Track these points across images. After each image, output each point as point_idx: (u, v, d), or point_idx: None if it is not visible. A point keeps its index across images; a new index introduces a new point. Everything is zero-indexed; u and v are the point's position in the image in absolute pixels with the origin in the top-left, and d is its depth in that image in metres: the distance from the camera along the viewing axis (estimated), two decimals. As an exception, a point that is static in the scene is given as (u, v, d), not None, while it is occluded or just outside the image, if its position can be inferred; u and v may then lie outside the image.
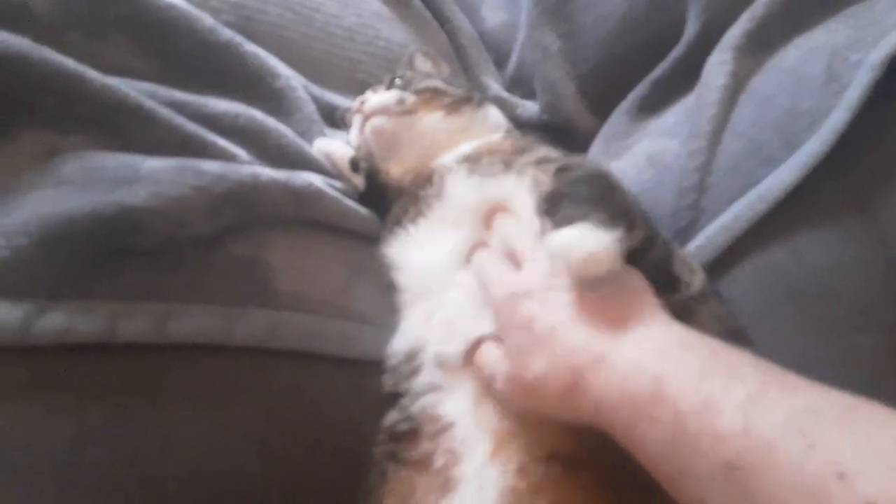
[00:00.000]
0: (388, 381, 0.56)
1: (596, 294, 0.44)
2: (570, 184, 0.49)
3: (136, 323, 0.45)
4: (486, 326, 0.51)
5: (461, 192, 0.60)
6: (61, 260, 0.44)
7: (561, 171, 0.53)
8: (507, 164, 0.60)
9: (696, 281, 0.56)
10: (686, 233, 0.67)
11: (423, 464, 0.50)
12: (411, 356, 0.55)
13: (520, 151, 0.64)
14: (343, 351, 0.55)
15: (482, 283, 0.52)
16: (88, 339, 0.43)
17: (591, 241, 0.43)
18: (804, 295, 0.58)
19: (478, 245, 0.57)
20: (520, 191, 0.57)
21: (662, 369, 0.37)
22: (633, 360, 0.39)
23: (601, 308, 0.43)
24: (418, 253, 0.61)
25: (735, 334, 0.56)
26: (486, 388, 0.49)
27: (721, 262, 0.63)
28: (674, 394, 0.35)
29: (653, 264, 0.50)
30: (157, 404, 0.46)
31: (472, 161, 0.63)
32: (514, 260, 0.52)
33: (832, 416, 0.31)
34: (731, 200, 0.64)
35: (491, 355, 0.49)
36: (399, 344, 0.57)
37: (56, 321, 0.43)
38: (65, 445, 0.42)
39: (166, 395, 0.46)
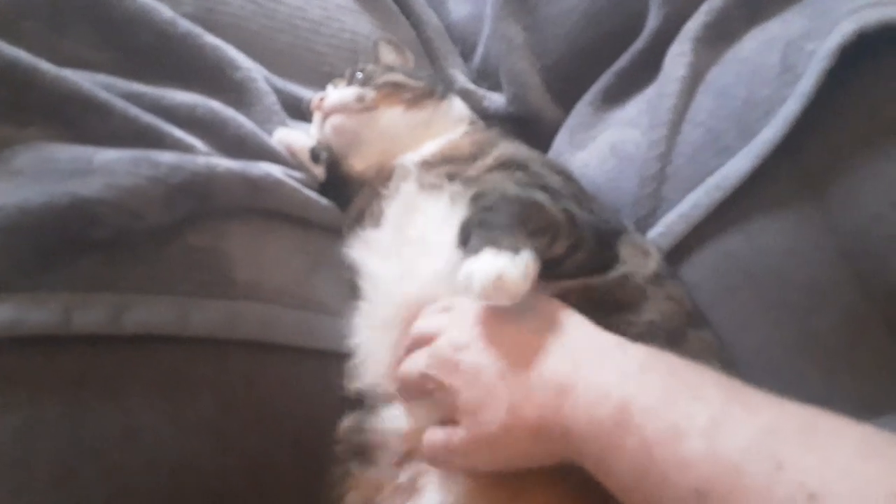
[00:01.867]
0: (348, 388, 0.56)
1: (533, 329, 0.43)
2: (481, 210, 0.48)
3: (91, 314, 0.45)
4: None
5: (404, 210, 0.61)
6: (13, 251, 0.44)
7: (475, 198, 0.51)
8: (452, 177, 0.60)
9: (651, 263, 0.56)
10: (647, 221, 0.68)
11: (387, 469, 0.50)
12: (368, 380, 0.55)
13: (478, 153, 0.64)
14: (301, 341, 0.54)
15: (417, 374, 0.47)
16: (41, 331, 0.43)
17: (493, 268, 0.42)
18: (760, 280, 0.60)
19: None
20: (447, 221, 0.55)
21: (626, 394, 0.36)
22: (597, 387, 0.38)
23: (546, 340, 0.42)
24: (378, 264, 0.60)
25: (693, 316, 0.56)
26: (447, 466, 0.46)
27: (680, 249, 0.64)
28: (639, 421, 0.35)
29: (577, 266, 0.52)
30: (113, 396, 0.45)
31: (428, 168, 0.63)
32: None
33: (795, 433, 0.31)
34: (690, 189, 0.65)
35: (438, 434, 0.45)
36: (358, 366, 0.56)
37: (6, 313, 0.42)
38: (17, 439, 0.41)
39: (122, 386, 0.46)
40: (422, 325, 0.49)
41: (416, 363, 0.46)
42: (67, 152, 0.49)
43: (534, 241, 0.47)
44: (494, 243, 0.43)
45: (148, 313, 0.47)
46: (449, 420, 0.44)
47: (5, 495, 0.41)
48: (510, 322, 0.44)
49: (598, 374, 0.39)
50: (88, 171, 0.48)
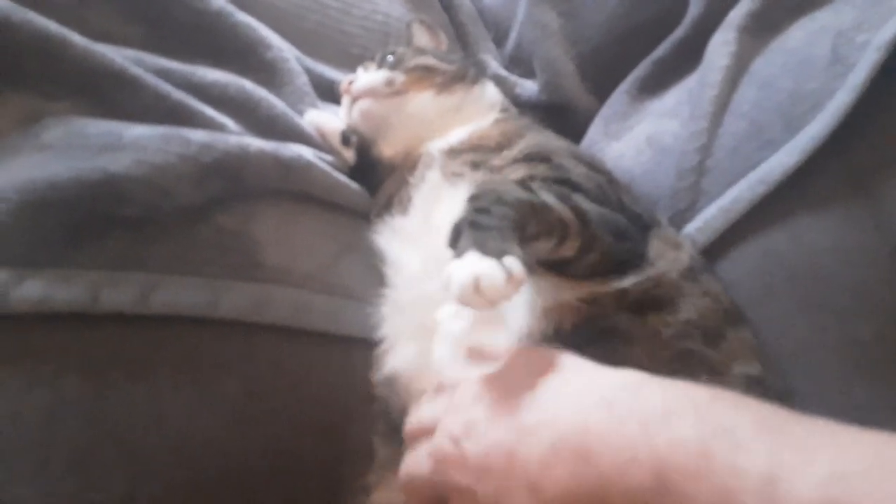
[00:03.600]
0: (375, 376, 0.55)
1: (535, 394, 0.40)
2: (474, 212, 0.45)
3: (120, 293, 0.44)
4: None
5: (429, 198, 0.59)
6: (41, 227, 0.43)
7: (471, 198, 0.48)
8: (476, 165, 0.58)
9: (683, 257, 0.55)
10: (685, 215, 0.65)
11: None
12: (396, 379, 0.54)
13: (505, 143, 0.62)
14: (329, 326, 0.53)
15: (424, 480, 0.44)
16: (68, 309, 0.42)
17: (472, 271, 0.39)
18: (803, 279, 0.57)
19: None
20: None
21: (657, 455, 0.33)
22: (621, 449, 0.34)
23: (552, 403, 0.39)
24: (402, 252, 0.59)
25: (730, 313, 0.55)
26: None
27: (719, 245, 0.62)
28: (682, 489, 0.31)
29: (590, 267, 0.49)
30: (138, 377, 0.44)
31: (454, 155, 0.62)
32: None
33: (866, 474, 0.28)
34: (731, 183, 0.63)
35: None
36: (387, 368, 0.55)
37: (34, 290, 0.41)
38: (41, 418, 0.41)
39: (148, 367, 0.45)
40: (419, 416, 0.46)
41: (420, 466, 0.43)
42: (98, 127, 0.48)
43: (537, 243, 0.45)
44: (479, 246, 0.41)
45: (176, 294, 0.46)
46: None
47: (24, 474, 0.40)
48: (509, 390, 0.41)
49: (619, 431, 0.35)
50: (119, 146, 0.47)
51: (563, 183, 0.53)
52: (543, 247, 0.46)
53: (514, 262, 0.40)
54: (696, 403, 0.35)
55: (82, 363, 0.43)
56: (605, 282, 0.50)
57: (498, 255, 0.40)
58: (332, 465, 0.51)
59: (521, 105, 0.90)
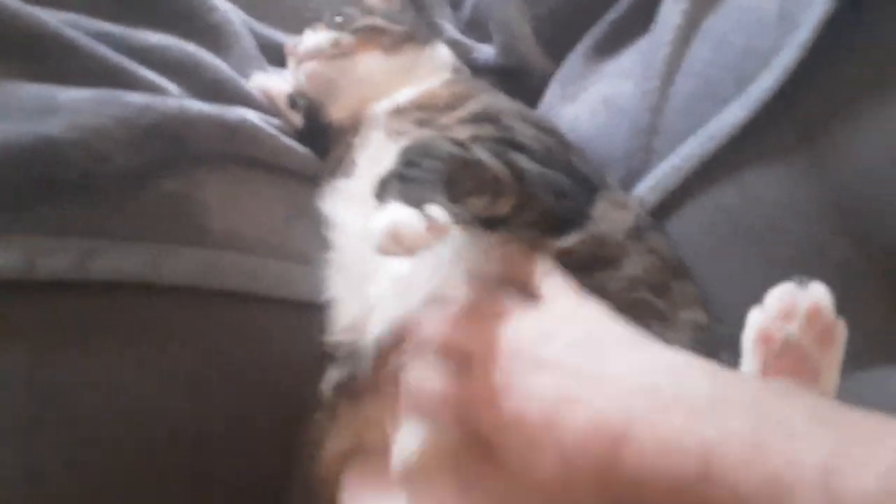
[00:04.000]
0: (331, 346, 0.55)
1: (574, 353, 0.40)
2: (403, 165, 0.45)
3: (57, 259, 0.43)
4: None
5: (372, 159, 0.59)
6: (-27, 194, 0.42)
7: (402, 151, 0.48)
8: (423, 123, 0.59)
9: (629, 217, 0.56)
10: (638, 174, 0.66)
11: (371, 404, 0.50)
12: (350, 333, 0.54)
13: (454, 103, 0.62)
14: (282, 291, 0.53)
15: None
16: (3, 276, 0.41)
17: (391, 219, 0.39)
18: (751, 233, 0.58)
19: None
20: None
21: (704, 441, 0.32)
22: (663, 434, 0.34)
23: (591, 370, 0.39)
24: (345, 214, 0.59)
25: (675, 268, 0.56)
26: None
27: (671, 203, 0.63)
28: (730, 477, 0.31)
29: (527, 224, 0.50)
30: (81, 344, 0.44)
31: (399, 115, 0.62)
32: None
33: None
34: (683, 141, 0.63)
35: None
36: (337, 330, 0.55)
37: (-34, 258, 0.40)
38: None
39: (91, 334, 0.45)
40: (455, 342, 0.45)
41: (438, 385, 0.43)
42: (30, 90, 0.47)
43: (471, 199, 0.45)
44: (403, 196, 0.40)
45: (117, 259, 0.45)
46: None
47: None
48: (547, 347, 0.41)
49: (663, 419, 0.34)
50: (53, 109, 0.45)
51: (508, 143, 0.53)
52: (477, 203, 0.46)
53: (436, 210, 0.40)
54: (745, 392, 0.34)
55: (21, 331, 0.42)
56: (549, 240, 0.51)
57: (420, 204, 0.40)
58: (287, 426, 0.51)
59: (478, 69, 0.90)
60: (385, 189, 0.43)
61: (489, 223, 0.50)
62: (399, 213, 0.39)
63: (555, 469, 0.36)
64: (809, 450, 0.29)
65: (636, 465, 0.33)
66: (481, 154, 0.48)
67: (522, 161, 0.50)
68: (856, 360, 0.54)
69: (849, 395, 0.51)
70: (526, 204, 0.49)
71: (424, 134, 0.57)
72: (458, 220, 0.44)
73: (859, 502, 0.27)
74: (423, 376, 0.44)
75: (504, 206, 0.48)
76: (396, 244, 0.39)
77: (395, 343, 0.48)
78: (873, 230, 0.54)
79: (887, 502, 0.26)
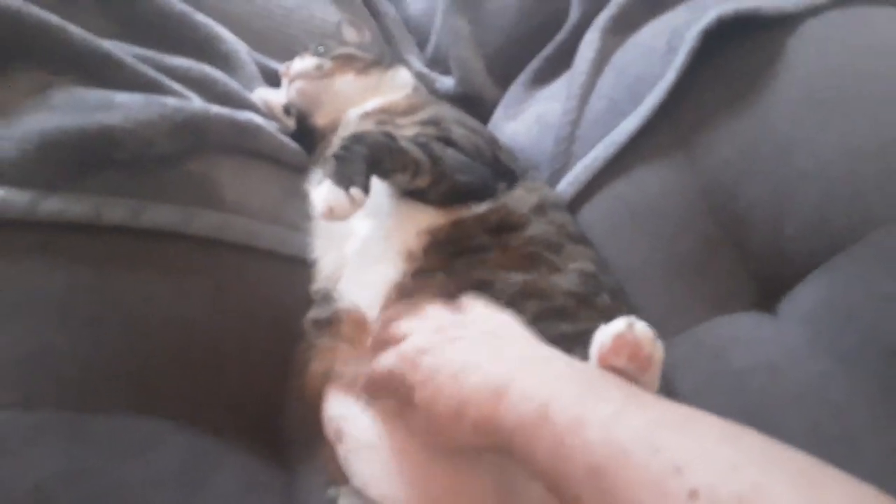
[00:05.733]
0: (312, 292, 0.70)
1: (482, 340, 0.51)
2: (341, 148, 0.60)
3: (116, 211, 0.58)
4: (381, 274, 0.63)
5: None
6: (56, 162, 0.57)
7: (342, 139, 0.61)
8: (383, 123, 0.74)
9: (533, 198, 0.71)
10: (560, 173, 0.83)
11: (342, 337, 0.64)
12: (329, 288, 0.68)
13: (410, 110, 0.79)
14: (278, 248, 0.69)
15: (386, 370, 0.54)
16: (79, 220, 0.56)
17: (325, 196, 0.55)
18: (640, 215, 0.75)
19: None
20: None
21: (547, 396, 0.42)
22: (526, 390, 0.43)
23: (491, 349, 0.50)
24: None
25: (574, 237, 0.70)
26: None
27: (584, 194, 0.79)
28: (554, 417, 0.40)
29: (442, 194, 0.65)
30: (133, 269, 0.59)
31: (367, 117, 0.78)
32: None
33: (675, 424, 0.37)
34: (594, 146, 0.81)
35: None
36: (318, 281, 0.70)
37: (54, 205, 0.56)
38: (61, 291, 0.55)
39: (141, 264, 0.60)
40: (398, 327, 0.57)
41: (387, 360, 0.54)
42: (93, 94, 0.63)
43: (395, 175, 0.61)
44: (334, 175, 0.56)
45: (159, 215, 0.60)
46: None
47: (52, 325, 0.54)
48: (464, 331, 0.52)
49: (529, 379, 0.44)
50: (111, 106, 0.61)
51: (444, 140, 0.69)
52: (401, 179, 0.62)
53: (356, 190, 0.56)
54: (584, 373, 0.45)
55: (92, 257, 0.57)
56: (466, 208, 0.66)
57: (346, 183, 0.56)
58: (279, 350, 0.65)
59: (440, 96, 1.06)
60: (326, 166, 0.59)
61: (414, 194, 0.65)
62: (330, 195, 0.55)
63: (449, 412, 0.46)
64: (607, 404, 0.39)
65: (503, 412, 0.43)
66: (405, 144, 0.63)
67: (440, 150, 0.66)
68: (718, 307, 0.71)
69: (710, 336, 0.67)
70: (439, 180, 0.65)
71: (367, 127, 0.73)
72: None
73: (623, 437, 0.36)
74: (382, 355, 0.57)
75: (422, 182, 0.64)
76: (331, 214, 0.55)
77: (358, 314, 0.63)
78: (726, 206, 0.70)
79: (637, 443, 0.36)
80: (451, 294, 0.59)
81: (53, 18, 0.64)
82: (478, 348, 0.50)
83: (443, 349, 0.51)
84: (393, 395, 0.54)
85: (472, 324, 0.54)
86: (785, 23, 0.73)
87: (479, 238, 0.64)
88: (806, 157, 0.65)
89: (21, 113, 0.59)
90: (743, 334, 0.66)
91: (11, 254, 0.55)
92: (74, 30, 0.65)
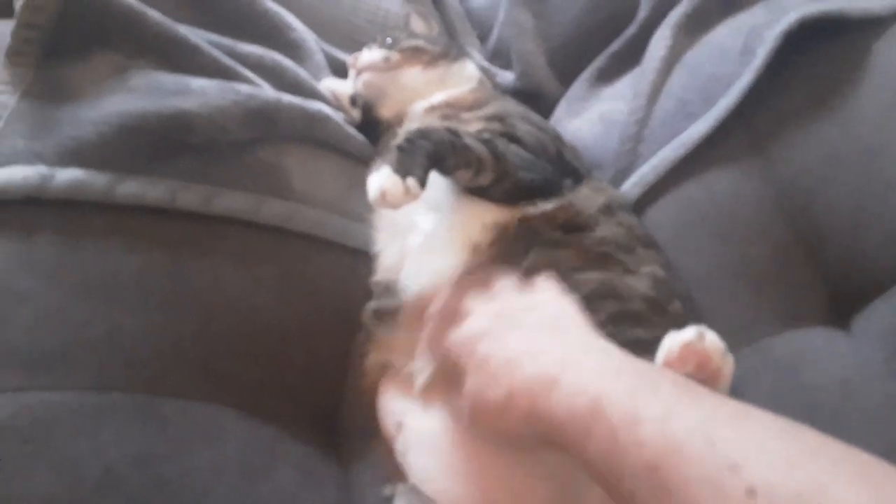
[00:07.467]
0: (373, 284, 0.70)
1: (540, 327, 0.51)
2: (404, 141, 0.59)
3: (190, 196, 0.59)
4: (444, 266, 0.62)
5: None
6: (134, 145, 0.58)
7: (408, 132, 0.61)
8: (448, 118, 0.74)
9: (601, 198, 0.69)
10: (625, 173, 0.81)
11: (402, 328, 0.64)
12: (390, 281, 0.68)
13: (476, 105, 0.78)
14: (343, 239, 0.69)
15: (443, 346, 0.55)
16: (155, 204, 0.58)
17: (380, 182, 0.54)
18: (710, 219, 0.73)
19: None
20: None
21: (600, 389, 0.41)
22: (579, 383, 0.43)
23: (547, 339, 0.49)
24: None
25: (643, 240, 0.69)
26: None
27: (650, 195, 0.77)
28: (608, 411, 0.40)
29: (505, 192, 0.64)
30: (205, 255, 0.60)
31: (433, 111, 0.78)
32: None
33: (729, 419, 0.37)
34: (661, 147, 0.79)
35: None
36: (379, 273, 0.70)
37: (132, 188, 0.57)
38: (135, 274, 0.56)
39: (211, 250, 0.61)
40: (461, 303, 0.57)
41: (443, 342, 0.55)
42: (170, 78, 0.64)
43: (458, 172, 0.60)
44: (395, 165, 0.55)
45: (230, 201, 0.61)
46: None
47: (125, 308, 0.55)
48: (522, 319, 0.52)
49: (582, 371, 0.44)
50: (188, 91, 0.62)
51: (509, 137, 0.68)
52: (463, 175, 0.61)
53: (412, 181, 0.55)
54: (639, 367, 0.44)
55: (165, 240, 0.58)
56: (532, 205, 0.65)
57: (405, 173, 0.55)
58: (341, 341, 0.66)
59: (501, 91, 1.06)
60: (388, 155, 0.58)
61: (476, 191, 0.64)
62: (387, 180, 0.54)
63: (499, 400, 0.46)
64: (661, 399, 0.39)
65: (555, 403, 0.43)
66: (469, 141, 0.62)
67: (504, 147, 0.65)
68: (787, 320, 0.69)
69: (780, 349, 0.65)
70: (503, 178, 0.64)
71: (432, 121, 0.72)
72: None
73: (677, 433, 0.36)
74: (434, 332, 0.58)
75: (485, 179, 0.63)
76: (384, 201, 0.54)
77: (419, 305, 0.62)
78: (802, 215, 0.68)
79: (692, 438, 0.35)
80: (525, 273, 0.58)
81: (134, 4, 0.66)
82: (534, 337, 0.50)
83: (499, 336, 0.50)
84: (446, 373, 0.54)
85: (533, 310, 0.53)
86: (871, 25, 0.70)
87: (552, 234, 0.63)
88: (891, 166, 0.63)
89: (100, 96, 0.60)
90: (815, 349, 0.64)
91: (89, 235, 0.56)
92: (153, 14, 0.66)
